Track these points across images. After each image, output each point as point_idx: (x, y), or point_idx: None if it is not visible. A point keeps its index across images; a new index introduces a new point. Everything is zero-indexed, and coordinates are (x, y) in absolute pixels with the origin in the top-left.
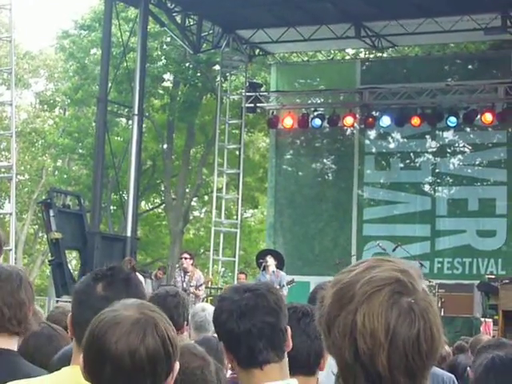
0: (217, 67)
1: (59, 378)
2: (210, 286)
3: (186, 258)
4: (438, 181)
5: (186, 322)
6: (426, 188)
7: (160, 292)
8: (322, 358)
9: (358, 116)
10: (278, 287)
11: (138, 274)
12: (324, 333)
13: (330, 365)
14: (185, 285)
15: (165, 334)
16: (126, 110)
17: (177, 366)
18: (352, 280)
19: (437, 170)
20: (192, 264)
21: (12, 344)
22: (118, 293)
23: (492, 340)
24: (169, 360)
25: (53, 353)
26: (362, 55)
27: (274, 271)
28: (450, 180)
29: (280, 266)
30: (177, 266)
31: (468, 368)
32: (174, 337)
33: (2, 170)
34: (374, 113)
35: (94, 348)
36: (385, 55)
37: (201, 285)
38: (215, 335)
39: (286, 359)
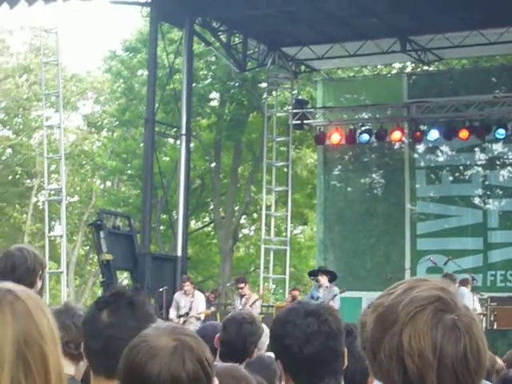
0: (262, 85)
1: None
2: (262, 303)
3: (242, 288)
4: (489, 193)
5: (256, 350)
6: (477, 201)
7: (237, 317)
8: (367, 377)
9: (405, 130)
10: (330, 298)
11: (197, 291)
12: (369, 358)
13: None
14: (241, 306)
15: (201, 357)
16: (174, 130)
17: (216, 383)
18: (393, 302)
19: (487, 183)
20: (248, 288)
21: (69, 368)
22: (123, 318)
23: None
24: (209, 380)
25: None
26: (408, 69)
27: (327, 286)
28: (501, 192)
29: (332, 280)
30: (235, 294)
31: None
32: (209, 356)
33: (52, 192)
34: (421, 127)
35: (136, 381)
36: (431, 68)
37: (254, 302)
38: (267, 354)
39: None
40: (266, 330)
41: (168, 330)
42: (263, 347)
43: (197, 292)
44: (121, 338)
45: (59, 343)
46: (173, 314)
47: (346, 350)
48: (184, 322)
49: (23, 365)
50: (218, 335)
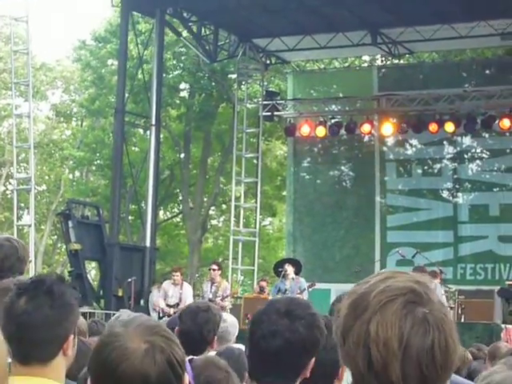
0: (232, 76)
1: None
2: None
3: (214, 270)
4: (459, 187)
5: (215, 337)
6: (447, 194)
7: (191, 307)
8: (337, 369)
9: (375, 123)
10: (298, 291)
11: (186, 283)
12: (340, 343)
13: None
14: (211, 295)
15: (172, 358)
16: (143, 120)
17: (186, 379)
18: (367, 290)
19: (456, 176)
20: (220, 275)
21: None
22: (40, 305)
23: None
24: (179, 380)
25: (77, 368)
26: (378, 62)
27: (293, 278)
28: (471, 186)
29: (298, 271)
30: (206, 279)
31: None
32: (179, 356)
33: (21, 181)
34: (391, 119)
35: (108, 381)
36: (402, 62)
37: (227, 296)
38: (236, 346)
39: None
40: (234, 321)
41: (140, 330)
42: (232, 338)
43: (185, 284)
44: (36, 326)
45: (7, 354)
46: (162, 303)
47: (312, 363)
48: (174, 313)
49: None
50: (176, 327)
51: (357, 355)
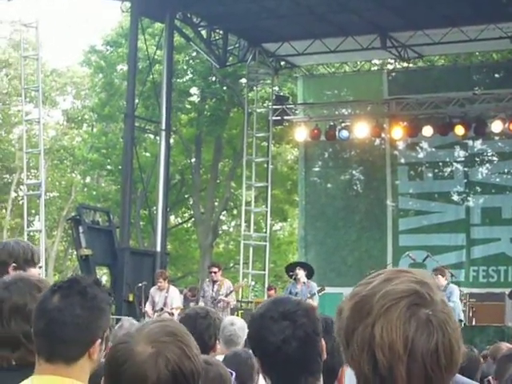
0: (243, 80)
1: None
2: (241, 298)
3: (215, 272)
4: (470, 190)
5: (217, 341)
6: (459, 197)
7: (190, 313)
8: (336, 372)
9: (385, 127)
10: (308, 296)
11: (172, 286)
12: (343, 345)
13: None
14: (214, 294)
15: (176, 369)
16: (154, 125)
17: None
18: (369, 293)
19: (468, 179)
20: (221, 275)
21: None
22: (72, 305)
23: None
24: None
25: None
26: (388, 66)
27: (304, 282)
28: (482, 189)
29: (309, 276)
30: (207, 279)
31: (490, 377)
32: (187, 368)
33: (31, 187)
34: (401, 123)
35: (114, 379)
36: (411, 65)
37: (231, 292)
38: (245, 349)
39: (321, 379)
40: (243, 324)
41: (150, 335)
42: (241, 342)
43: (172, 287)
44: (64, 323)
45: None
46: (149, 308)
47: (324, 344)
48: (159, 316)
49: None
50: None
51: (362, 359)
